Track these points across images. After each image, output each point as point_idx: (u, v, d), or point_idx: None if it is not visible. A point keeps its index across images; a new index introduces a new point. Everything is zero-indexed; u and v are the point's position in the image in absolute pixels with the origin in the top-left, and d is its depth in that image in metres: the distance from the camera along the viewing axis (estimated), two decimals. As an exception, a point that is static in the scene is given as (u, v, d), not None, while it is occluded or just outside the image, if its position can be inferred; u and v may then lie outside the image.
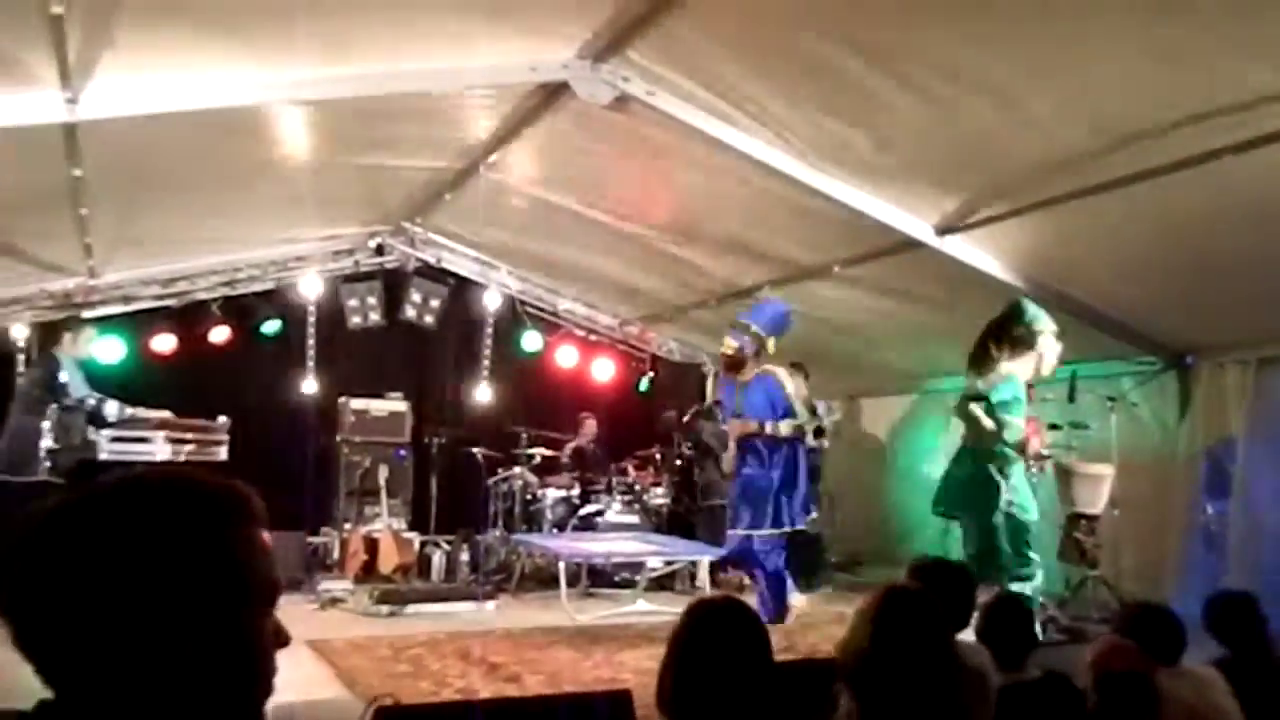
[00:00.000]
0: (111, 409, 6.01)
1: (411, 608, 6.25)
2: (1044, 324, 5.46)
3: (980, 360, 5.57)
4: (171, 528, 0.86)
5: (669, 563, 7.29)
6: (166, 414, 6.20)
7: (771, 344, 6.24)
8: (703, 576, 7.29)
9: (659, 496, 8.15)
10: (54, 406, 5.74)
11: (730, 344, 6.23)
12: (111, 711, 0.82)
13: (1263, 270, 5.07)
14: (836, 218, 5.87)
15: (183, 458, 6.02)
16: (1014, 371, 5.43)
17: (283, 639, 0.95)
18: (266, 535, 0.95)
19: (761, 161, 5.25)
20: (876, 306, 7.20)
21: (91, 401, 5.93)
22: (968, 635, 3.09)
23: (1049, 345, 5.45)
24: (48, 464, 5.64)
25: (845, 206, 5.52)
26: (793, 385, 6.21)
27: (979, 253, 5.82)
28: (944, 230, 5.68)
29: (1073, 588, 6.54)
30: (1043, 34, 3.83)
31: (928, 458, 8.49)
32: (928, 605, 2.02)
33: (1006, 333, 5.49)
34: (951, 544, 7.94)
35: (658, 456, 8.41)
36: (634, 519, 7.86)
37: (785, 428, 6.04)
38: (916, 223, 5.68)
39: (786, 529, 6.07)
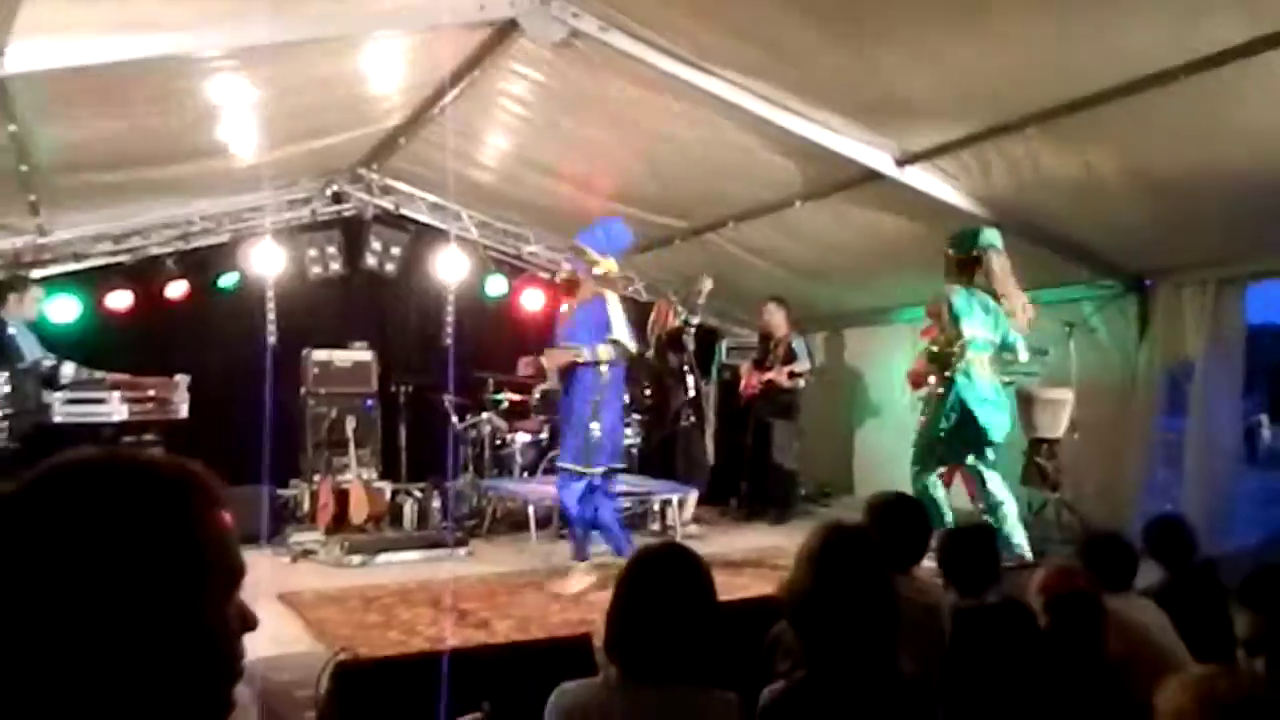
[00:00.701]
0: (68, 370, 5.91)
1: (383, 557, 6.28)
2: (982, 239, 5.66)
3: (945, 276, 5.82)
4: (127, 513, 0.82)
5: (640, 502, 7.35)
6: (122, 375, 6.10)
7: (608, 264, 5.77)
8: (675, 515, 7.37)
9: (629, 436, 8.18)
10: (5, 371, 5.63)
11: (565, 268, 5.92)
12: (67, 708, 0.79)
13: (1218, 192, 5.09)
14: (794, 152, 5.83)
15: (140, 416, 5.94)
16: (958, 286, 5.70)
17: (249, 623, 0.92)
18: (227, 517, 0.92)
19: (718, 96, 5.19)
20: (840, 241, 7.18)
21: (47, 363, 5.82)
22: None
23: (993, 258, 5.62)
24: (3, 430, 5.55)
25: (803, 139, 5.47)
26: (621, 308, 5.69)
27: (939, 183, 5.80)
28: (904, 161, 5.65)
29: (1035, 511, 6.68)
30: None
31: (893, 389, 8.59)
32: (867, 544, 2.05)
33: (952, 251, 5.78)
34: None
35: (627, 397, 8.40)
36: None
37: (604, 352, 5.48)
38: (876, 154, 5.65)
39: (593, 468, 5.45)
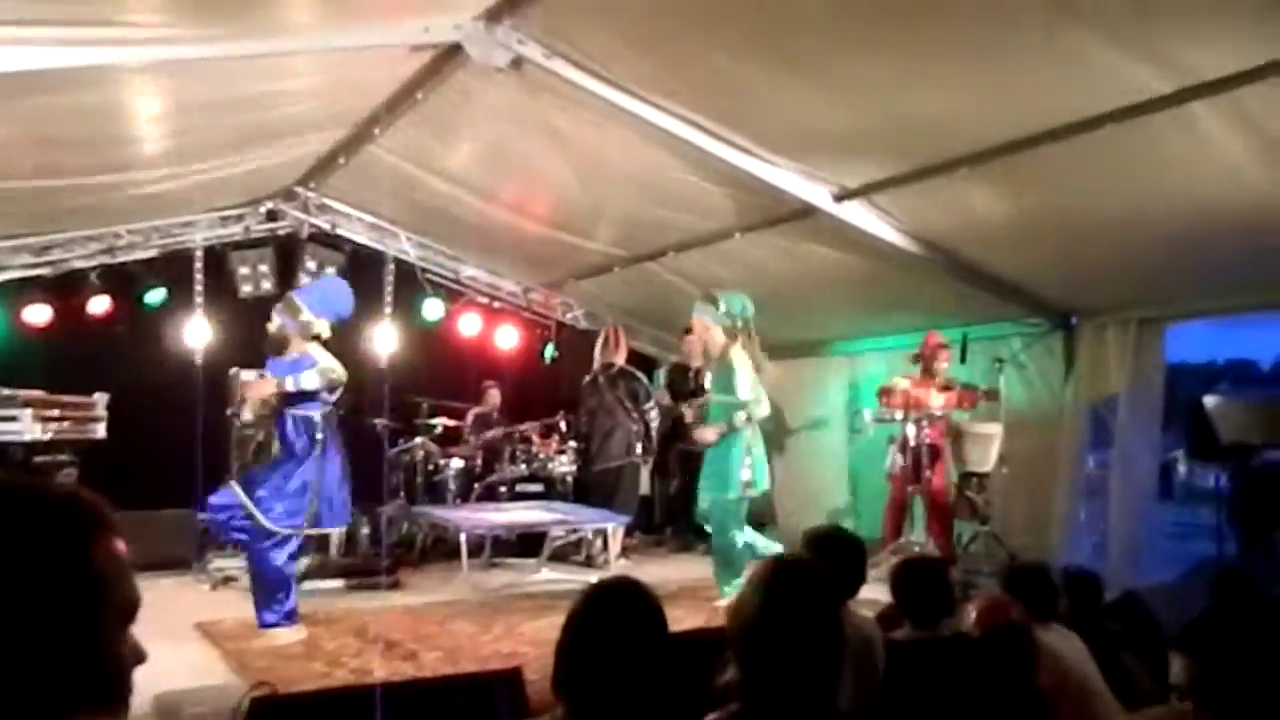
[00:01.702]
0: None
1: (308, 584, 6.10)
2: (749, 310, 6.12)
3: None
4: (20, 540, 0.80)
5: (572, 530, 7.28)
6: (35, 392, 5.85)
7: (320, 324, 5.41)
8: (601, 546, 7.32)
9: (563, 465, 8.12)
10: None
11: (274, 321, 5.37)
12: None
13: (1142, 237, 5.28)
14: (734, 184, 5.89)
15: (54, 436, 5.71)
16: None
17: (139, 657, 0.90)
18: (122, 547, 0.88)
19: (659, 127, 5.21)
20: (777, 273, 7.26)
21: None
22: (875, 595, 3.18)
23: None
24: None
25: (743, 172, 5.52)
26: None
27: (874, 219, 5.90)
28: (841, 197, 5.75)
29: (965, 544, 6.79)
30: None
31: (828, 422, 8.68)
32: (817, 576, 2.04)
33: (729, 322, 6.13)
34: (857, 507, 8.17)
35: (562, 425, 8.35)
36: (538, 487, 7.82)
37: (307, 380, 5.13)
38: (814, 189, 5.73)
39: (277, 526, 4.93)
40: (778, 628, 1.89)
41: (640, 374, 8.09)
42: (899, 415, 6.69)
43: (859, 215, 5.85)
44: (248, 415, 5.01)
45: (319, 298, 5.52)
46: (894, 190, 5.53)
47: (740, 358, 5.96)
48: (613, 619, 1.85)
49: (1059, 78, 4.09)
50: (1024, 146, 4.64)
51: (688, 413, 8.00)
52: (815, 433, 8.88)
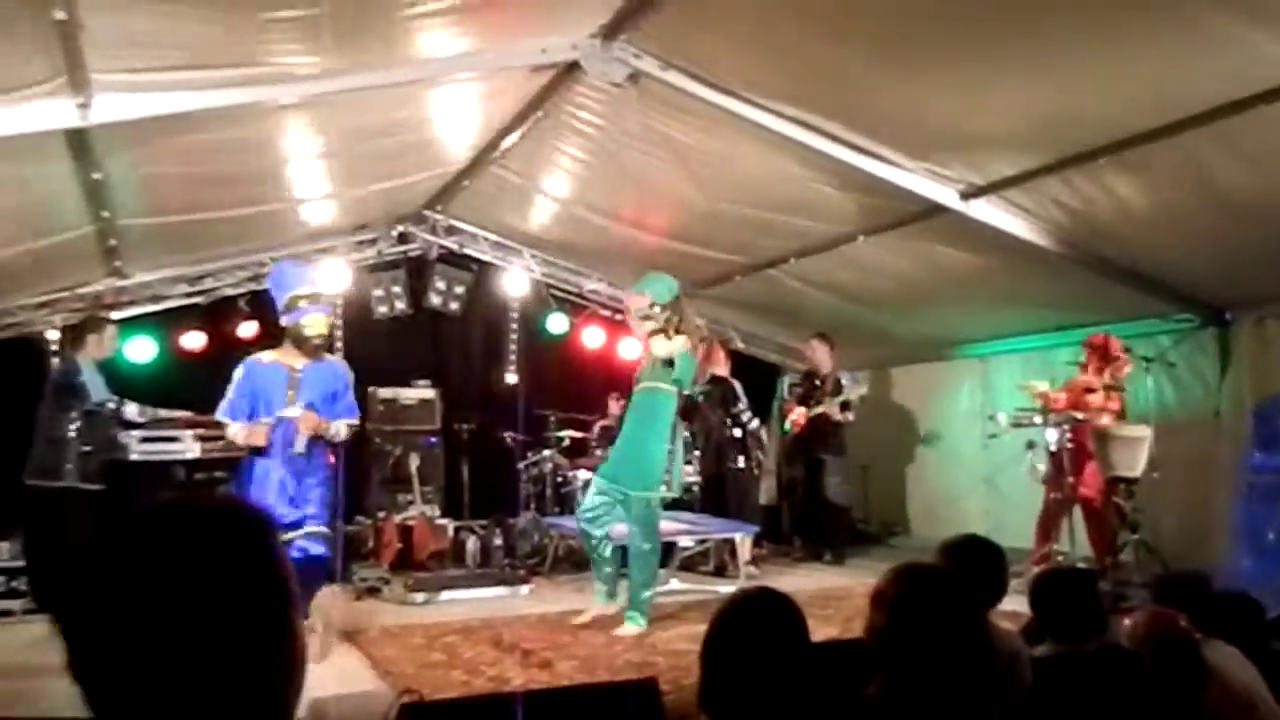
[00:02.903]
0: (131, 410, 6.04)
1: (446, 594, 6.29)
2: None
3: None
4: (224, 550, 0.90)
5: (701, 541, 7.27)
6: (187, 413, 6.22)
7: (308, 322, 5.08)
8: (726, 555, 7.28)
9: (689, 475, 8.12)
10: (76, 411, 5.80)
11: (322, 320, 5.09)
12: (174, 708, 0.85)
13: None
14: (856, 187, 5.79)
15: (210, 454, 6.06)
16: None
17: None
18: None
19: (778, 132, 5.18)
20: (903, 275, 7.09)
21: (111, 405, 5.97)
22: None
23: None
24: (75, 468, 5.71)
25: (865, 174, 5.43)
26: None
27: (1006, 216, 5.70)
28: (969, 194, 5.57)
29: (1113, 552, 6.45)
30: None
31: (961, 424, 8.42)
32: (957, 584, 1.97)
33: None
34: (993, 512, 7.88)
35: (687, 434, 8.35)
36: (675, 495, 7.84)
37: (346, 430, 5.07)
38: (940, 188, 5.57)
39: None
40: (908, 637, 1.84)
41: (734, 381, 8.05)
42: (1037, 419, 6.42)
43: (989, 212, 5.66)
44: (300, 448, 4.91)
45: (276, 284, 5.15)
46: (1026, 185, 5.33)
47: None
48: (757, 630, 1.83)
49: (1201, 60, 3.87)
50: (1166, 133, 4.40)
51: (831, 410, 7.91)
52: (948, 438, 8.62)
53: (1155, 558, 6.20)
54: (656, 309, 5.47)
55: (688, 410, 8.29)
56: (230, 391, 4.94)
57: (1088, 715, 2.35)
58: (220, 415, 4.94)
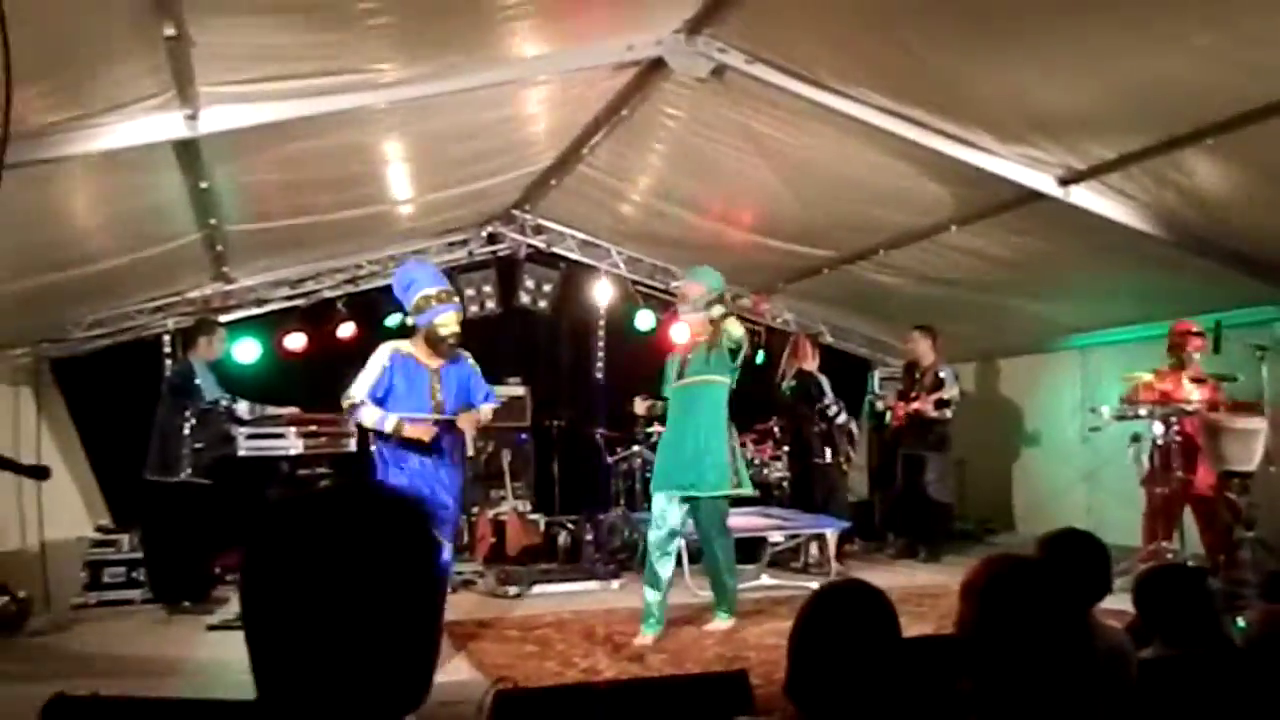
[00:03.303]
0: (243, 408, 6.34)
1: (538, 588, 6.39)
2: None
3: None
4: (392, 531, 0.96)
5: (791, 536, 7.21)
6: (294, 410, 6.47)
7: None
8: (815, 551, 7.20)
9: (779, 470, 8.07)
10: (191, 409, 6.09)
11: (455, 317, 4.99)
12: (327, 694, 0.90)
13: None
14: (947, 175, 5.66)
15: (313, 450, 6.28)
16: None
17: None
18: None
19: (864, 121, 5.10)
20: (998, 266, 6.90)
21: (224, 402, 6.26)
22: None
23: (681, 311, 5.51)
24: (189, 464, 5.99)
25: (956, 161, 5.30)
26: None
27: (1106, 202, 5.49)
28: (1068, 180, 5.39)
29: (1227, 550, 6.16)
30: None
31: (1062, 418, 8.15)
32: (1054, 578, 1.91)
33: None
34: (1096, 508, 7.62)
35: (776, 430, 8.30)
36: (754, 492, 7.81)
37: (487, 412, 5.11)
38: (1036, 175, 5.40)
39: None
40: (1009, 630, 1.80)
41: (820, 375, 7.95)
42: (1143, 412, 6.17)
43: (1088, 199, 5.46)
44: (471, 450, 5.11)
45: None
46: (1128, 169, 5.12)
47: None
48: (845, 620, 1.81)
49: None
50: (1272, 113, 4.17)
51: (925, 407, 7.77)
52: (1048, 432, 8.36)
53: (1273, 555, 5.90)
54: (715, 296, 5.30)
55: (777, 406, 8.26)
56: (368, 374, 4.80)
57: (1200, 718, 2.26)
58: (357, 395, 4.76)
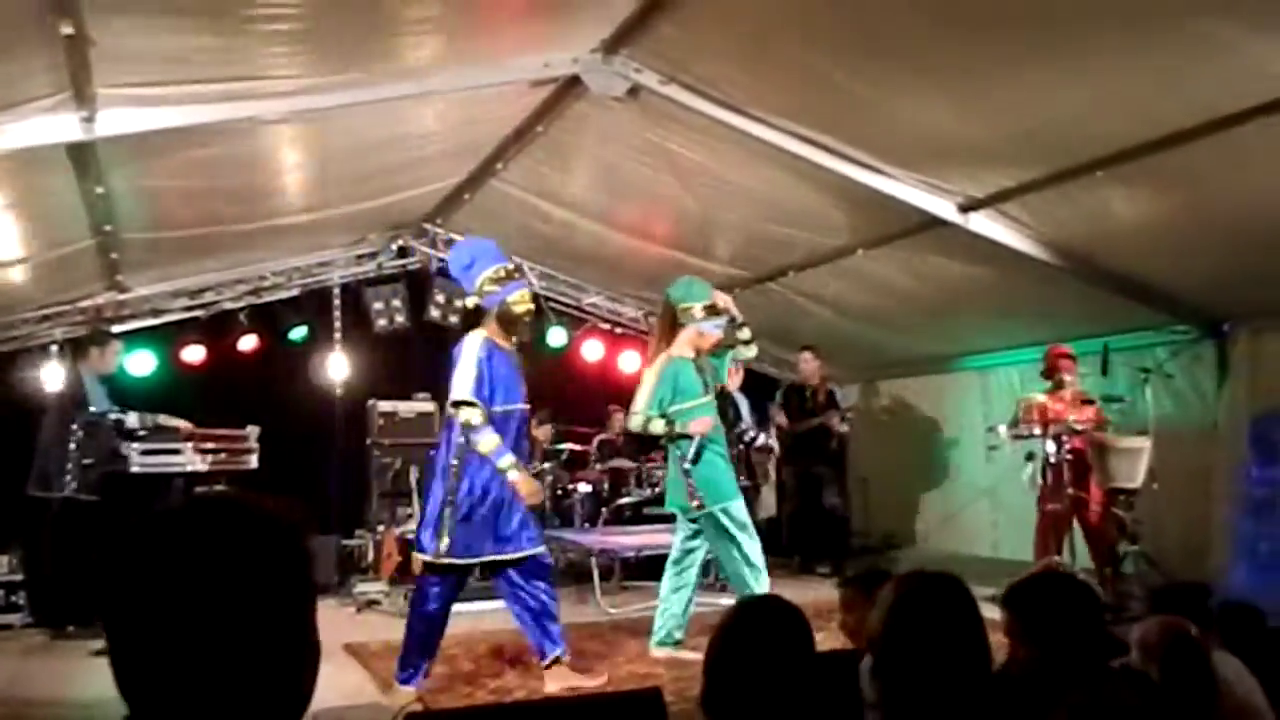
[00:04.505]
0: (132, 420, 6.04)
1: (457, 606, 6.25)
2: (692, 297, 5.16)
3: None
4: (263, 541, 0.93)
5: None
6: (186, 424, 6.18)
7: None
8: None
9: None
10: (78, 422, 5.80)
11: (528, 294, 4.64)
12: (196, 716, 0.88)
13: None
14: (855, 200, 5.82)
15: (211, 467, 6.05)
16: (675, 356, 5.16)
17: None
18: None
19: (777, 146, 5.21)
20: (903, 288, 7.11)
21: (112, 416, 5.97)
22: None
23: (694, 317, 5.13)
24: (74, 480, 5.70)
25: (864, 187, 5.46)
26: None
27: (1003, 229, 5.73)
28: (968, 207, 5.60)
29: (1113, 564, 6.45)
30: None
31: (964, 437, 8.43)
32: (953, 589, 1.98)
33: (662, 324, 5.31)
34: (999, 525, 7.89)
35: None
36: (665, 511, 7.84)
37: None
38: (938, 201, 5.60)
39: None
40: (912, 642, 1.85)
41: (739, 396, 8.04)
42: (1036, 430, 6.43)
43: (987, 226, 5.69)
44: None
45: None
46: (1025, 198, 5.36)
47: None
48: (762, 634, 1.84)
49: (1200, 72, 3.91)
50: (1165, 145, 4.43)
51: (832, 422, 7.91)
52: (951, 451, 8.63)
53: (1155, 570, 6.20)
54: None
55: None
56: (469, 370, 4.28)
57: None
58: (472, 395, 4.24)
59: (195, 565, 0.89)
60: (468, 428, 4.26)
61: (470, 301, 4.59)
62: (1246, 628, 3.21)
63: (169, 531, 0.92)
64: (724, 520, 4.91)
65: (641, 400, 5.13)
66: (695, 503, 4.95)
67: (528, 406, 4.55)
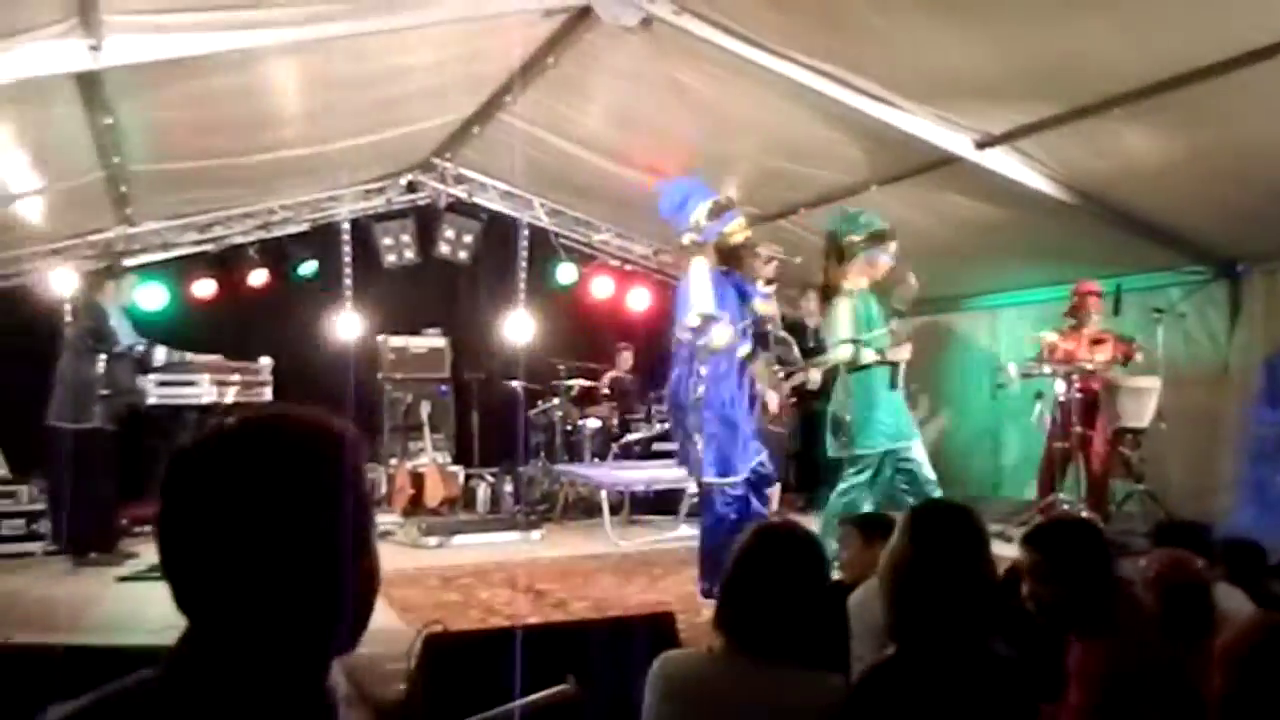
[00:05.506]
0: (159, 354, 6.11)
1: (459, 539, 6.39)
2: (854, 227, 5.20)
3: (824, 293, 5.34)
4: (323, 459, 0.93)
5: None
6: (213, 357, 6.28)
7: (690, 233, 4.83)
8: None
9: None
10: (103, 354, 5.86)
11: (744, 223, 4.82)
12: (256, 630, 0.89)
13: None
14: (869, 136, 5.74)
15: (229, 399, 6.11)
16: (855, 289, 5.20)
17: None
18: None
19: (791, 79, 5.13)
20: (916, 226, 7.05)
21: (139, 348, 6.04)
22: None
23: (860, 247, 5.18)
24: (101, 410, 5.78)
25: (878, 122, 5.38)
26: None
27: (1020, 166, 5.66)
28: (983, 144, 5.53)
29: (1118, 502, 6.51)
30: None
31: (970, 376, 8.43)
32: (965, 518, 2.01)
33: (829, 254, 5.30)
34: (1003, 466, 7.94)
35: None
36: (674, 446, 7.90)
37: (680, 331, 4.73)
38: (955, 137, 5.53)
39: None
40: (925, 570, 1.89)
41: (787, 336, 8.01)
42: (1047, 370, 6.43)
43: (1003, 162, 5.62)
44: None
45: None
46: (1041, 135, 5.28)
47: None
48: (778, 558, 1.88)
49: (1222, 6, 3.82)
50: (1184, 83, 4.34)
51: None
52: (956, 390, 8.64)
53: (1160, 508, 6.26)
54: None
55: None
56: (704, 286, 4.49)
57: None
58: (713, 310, 4.47)
59: (254, 481, 0.90)
60: (699, 329, 4.40)
61: (687, 238, 4.63)
62: (1250, 564, 3.28)
63: (228, 448, 0.93)
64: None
65: (843, 330, 5.11)
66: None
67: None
